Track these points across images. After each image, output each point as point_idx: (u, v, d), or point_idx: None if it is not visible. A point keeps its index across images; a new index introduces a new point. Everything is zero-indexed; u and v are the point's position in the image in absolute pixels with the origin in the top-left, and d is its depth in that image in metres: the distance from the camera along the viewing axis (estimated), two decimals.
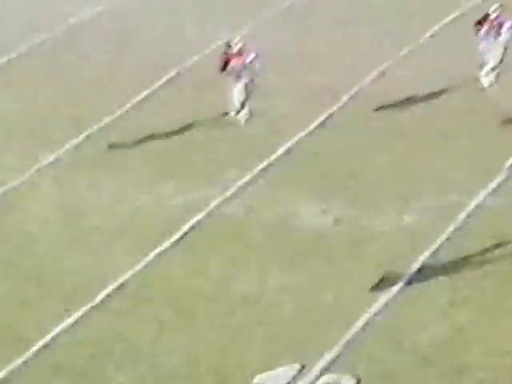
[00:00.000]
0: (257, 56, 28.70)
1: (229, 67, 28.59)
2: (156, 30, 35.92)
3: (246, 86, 28.73)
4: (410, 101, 30.08)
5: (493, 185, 25.48)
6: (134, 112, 30.21)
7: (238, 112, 29.33)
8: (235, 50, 28.91)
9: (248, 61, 28.56)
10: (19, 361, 20.20)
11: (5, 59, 33.68)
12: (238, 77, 28.87)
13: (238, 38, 29.28)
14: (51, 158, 27.74)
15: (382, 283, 21.87)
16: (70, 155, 27.96)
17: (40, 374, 20.00)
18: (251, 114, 28.94)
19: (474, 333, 20.26)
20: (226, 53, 28.59)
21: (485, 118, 28.83)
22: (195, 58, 33.12)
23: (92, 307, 21.57)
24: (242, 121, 29.07)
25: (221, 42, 30.60)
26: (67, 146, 28.29)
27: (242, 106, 29.17)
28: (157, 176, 26.83)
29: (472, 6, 35.68)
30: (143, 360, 20.25)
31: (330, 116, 29.24)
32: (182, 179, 26.57)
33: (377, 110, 29.52)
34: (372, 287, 21.38)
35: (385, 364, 19.58)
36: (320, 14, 36.73)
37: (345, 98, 30.23)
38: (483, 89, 29.35)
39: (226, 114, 29.62)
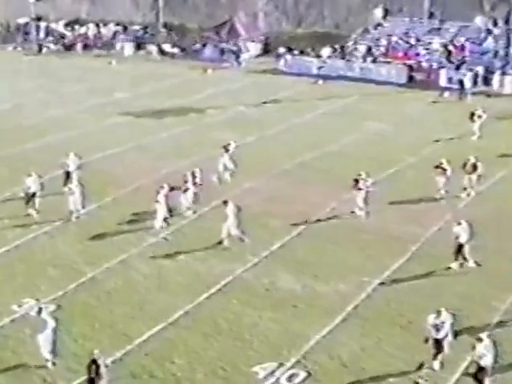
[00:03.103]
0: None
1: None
2: None
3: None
4: None
5: None
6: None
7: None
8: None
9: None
10: (129, 347, 20.55)
11: None
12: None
13: None
14: (153, 240, 26.91)
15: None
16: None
17: (137, 360, 20.19)
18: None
19: None
20: None
21: None
22: None
23: (169, 324, 21.75)
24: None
25: None
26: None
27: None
28: (209, 254, 25.88)
29: None
30: (194, 352, 20.45)
31: None
32: (222, 257, 25.72)
33: None
34: None
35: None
36: None
37: None
38: None
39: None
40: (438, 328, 19.60)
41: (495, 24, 56.91)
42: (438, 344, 19.64)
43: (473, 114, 39.69)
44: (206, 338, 21.27)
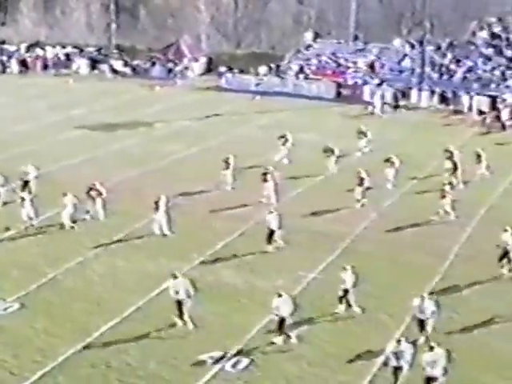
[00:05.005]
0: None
1: None
2: None
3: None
4: None
5: None
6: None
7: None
8: None
9: None
10: (88, 340, 20.24)
11: None
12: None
13: None
14: (107, 241, 26.75)
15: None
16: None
17: (96, 352, 19.85)
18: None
19: None
20: None
21: None
22: None
23: (124, 318, 21.42)
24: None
25: None
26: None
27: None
28: (158, 255, 25.68)
29: None
30: (147, 344, 20.01)
31: None
32: (171, 257, 25.42)
33: None
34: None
35: None
36: None
37: None
38: None
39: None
40: (397, 356, 18.09)
41: (412, 46, 57.86)
42: (397, 372, 18.21)
43: (360, 132, 39.30)
44: (157, 330, 20.92)
